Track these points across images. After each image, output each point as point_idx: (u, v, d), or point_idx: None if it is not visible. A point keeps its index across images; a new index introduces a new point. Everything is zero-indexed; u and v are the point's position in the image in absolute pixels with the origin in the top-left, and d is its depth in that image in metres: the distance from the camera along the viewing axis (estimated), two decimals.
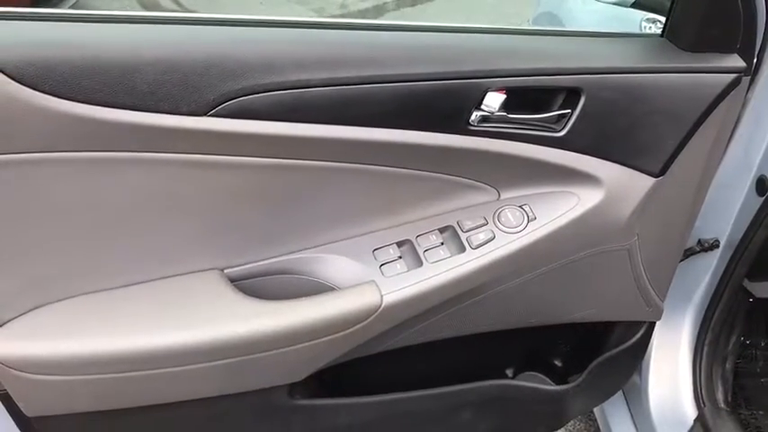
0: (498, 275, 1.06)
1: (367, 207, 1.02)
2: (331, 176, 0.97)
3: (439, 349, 1.16)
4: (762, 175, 1.25)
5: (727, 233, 1.37)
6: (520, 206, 1.06)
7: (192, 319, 0.95)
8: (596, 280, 1.18)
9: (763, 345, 1.67)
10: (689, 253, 1.40)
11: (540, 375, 1.40)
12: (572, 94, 0.99)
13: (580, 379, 1.34)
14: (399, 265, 1.01)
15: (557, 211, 1.05)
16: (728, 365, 1.56)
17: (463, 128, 0.96)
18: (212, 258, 0.99)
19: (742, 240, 1.34)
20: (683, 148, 1.05)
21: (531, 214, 1.05)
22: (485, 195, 1.07)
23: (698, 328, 1.51)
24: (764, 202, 1.25)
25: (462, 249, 1.03)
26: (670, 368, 1.51)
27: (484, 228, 1.04)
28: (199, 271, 0.99)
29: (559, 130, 1.00)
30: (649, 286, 1.23)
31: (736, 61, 1.01)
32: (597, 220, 1.07)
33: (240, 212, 0.96)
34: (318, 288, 1.02)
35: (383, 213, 1.04)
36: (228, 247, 0.99)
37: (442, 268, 1.01)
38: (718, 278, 1.44)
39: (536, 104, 1.00)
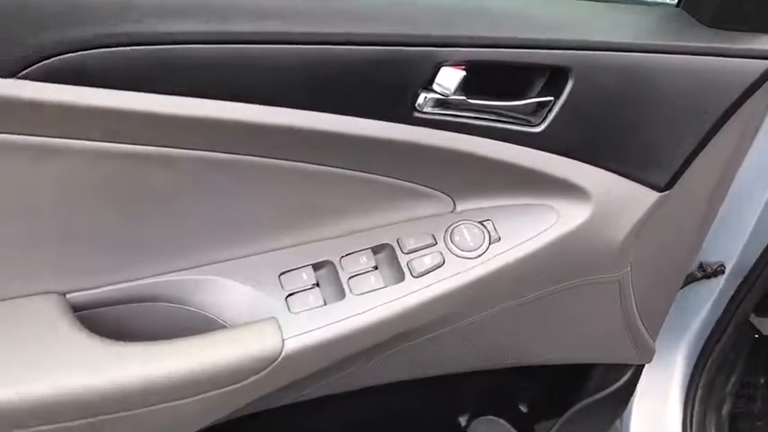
0: (447, 312, 0.80)
1: (273, 216, 0.76)
2: (219, 172, 0.70)
3: (369, 395, 0.90)
4: None
5: (735, 257, 1.15)
6: (480, 222, 0.80)
7: (17, 363, 0.68)
8: (575, 318, 0.93)
9: (762, 382, 1.44)
10: (689, 279, 1.16)
11: (501, 422, 1.14)
12: (557, 76, 0.73)
13: (553, 429, 1.09)
14: (313, 297, 0.75)
15: (528, 230, 0.80)
16: (725, 410, 1.33)
17: (406, 114, 0.70)
18: (49, 278, 0.72)
19: (753, 267, 1.13)
20: (698, 153, 0.80)
21: (494, 233, 0.80)
22: (435, 206, 0.81)
23: (692, 367, 1.28)
24: None
25: (401, 277, 0.77)
26: (657, 413, 1.28)
27: (431, 249, 0.78)
28: (31, 295, 0.71)
29: (537, 124, 0.74)
30: (641, 325, 0.98)
31: None
32: (581, 243, 0.81)
33: (86, 217, 0.69)
34: (199, 323, 0.76)
35: (296, 225, 0.77)
36: (72, 264, 0.72)
37: (372, 302, 0.75)
38: (721, 310, 1.22)
39: (507, 87, 0.74)
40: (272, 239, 0.77)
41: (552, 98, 0.74)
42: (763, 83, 0.77)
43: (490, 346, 0.91)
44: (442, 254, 0.78)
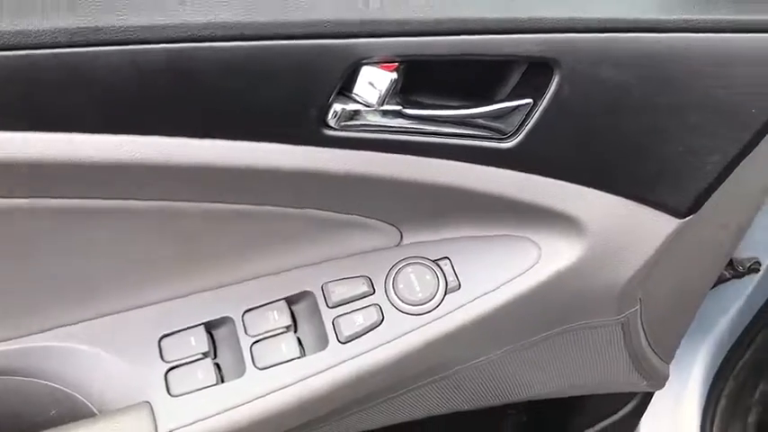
0: (380, 387, 0.61)
1: (150, 258, 0.56)
2: (62, 218, 0.50)
3: None
4: None
5: None
6: (435, 262, 0.60)
7: None
8: (567, 359, 0.73)
9: None
10: (717, 281, 0.95)
11: None
12: (536, 71, 0.51)
13: None
14: (203, 371, 0.56)
15: (499, 273, 0.59)
16: (751, 420, 1.13)
17: (312, 134, 0.49)
18: None
19: None
20: (735, 166, 0.57)
21: (451, 278, 0.59)
22: (375, 238, 0.60)
23: (714, 374, 1.08)
24: None
25: (323, 343, 0.57)
26: (674, 424, 1.10)
27: (365, 301, 0.59)
28: None
29: (509, 137, 0.53)
30: (652, 356, 0.79)
31: None
32: (573, 287, 0.61)
33: None
34: (51, 400, 0.57)
35: (180, 270, 0.57)
36: None
37: (282, 380, 0.56)
38: (755, 311, 1.01)
39: (463, 88, 0.52)
40: (149, 289, 0.57)
41: (530, 101, 0.52)
42: None
43: (443, 404, 0.72)
44: (380, 308, 0.58)
